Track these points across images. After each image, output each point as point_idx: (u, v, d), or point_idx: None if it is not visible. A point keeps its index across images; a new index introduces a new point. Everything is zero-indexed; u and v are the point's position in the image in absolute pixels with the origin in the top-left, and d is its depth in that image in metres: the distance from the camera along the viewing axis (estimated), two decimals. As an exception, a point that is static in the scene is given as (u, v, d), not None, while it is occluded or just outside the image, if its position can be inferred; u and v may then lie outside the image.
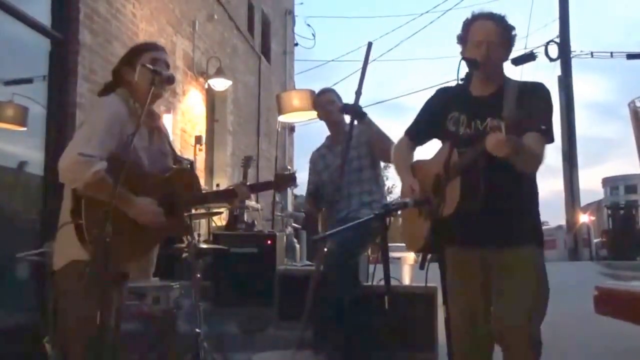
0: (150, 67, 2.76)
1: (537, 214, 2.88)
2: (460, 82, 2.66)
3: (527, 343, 2.66)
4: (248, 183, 3.41)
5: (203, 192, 3.53)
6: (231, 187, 3.31)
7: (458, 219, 2.64)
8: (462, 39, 2.86)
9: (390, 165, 4.75)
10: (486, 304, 2.79)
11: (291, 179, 3.57)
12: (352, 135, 4.29)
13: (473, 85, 2.85)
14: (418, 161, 3.05)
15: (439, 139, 2.95)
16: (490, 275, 2.76)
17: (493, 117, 2.68)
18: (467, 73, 2.68)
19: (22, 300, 5.06)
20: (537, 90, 2.77)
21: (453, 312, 2.78)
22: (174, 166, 3.08)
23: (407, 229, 3.03)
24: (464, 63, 2.68)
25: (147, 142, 2.91)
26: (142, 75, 2.77)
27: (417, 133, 3.08)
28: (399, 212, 2.88)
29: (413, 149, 3.12)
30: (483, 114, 2.77)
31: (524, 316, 2.66)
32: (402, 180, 2.99)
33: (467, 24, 2.85)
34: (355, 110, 4.22)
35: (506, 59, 2.87)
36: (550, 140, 2.69)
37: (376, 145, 4.51)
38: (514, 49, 2.89)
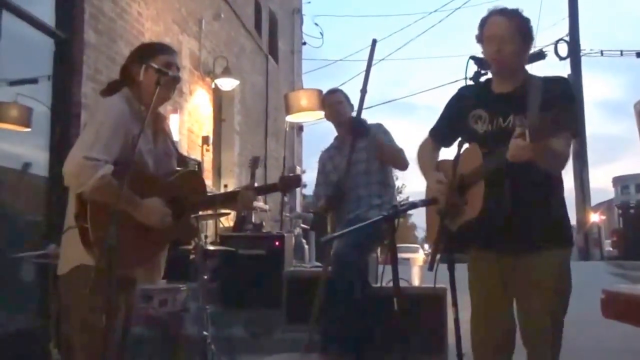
0: (155, 66, 2.72)
1: (564, 213, 2.83)
2: (470, 82, 2.62)
3: (551, 345, 2.66)
4: (255, 185, 3.36)
5: (209, 194, 3.48)
6: (236, 191, 3.24)
7: (482, 222, 2.61)
8: (479, 38, 2.85)
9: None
10: (508, 305, 2.77)
11: (297, 181, 3.51)
12: (357, 141, 4.28)
13: (494, 82, 2.85)
14: (443, 160, 3.01)
15: (463, 137, 2.91)
16: (513, 278, 2.74)
17: (516, 114, 2.64)
18: (475, 72, 2.64)
19: (25, 302, 5.04)
20: (560, 88, 2.74)
21: (473, 314, 2.79)
22: (178, 168, 3.05)
23: (430, 226, 3.00)
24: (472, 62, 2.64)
25: (152, 144, 2.88)
26: (147, 75, 2.74)
27: (441, 134, 3.06)
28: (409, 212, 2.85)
29: (437, 150, 3.09)
30: (505, 111, 2.75)
31: (547, 319, 2.65)
32: (428, 178, 2.96)
33: (482, 22, 2.84)
34: (358, 128, 4.19)
35: (524, 53, 2.82)
36: (575, 134, 2.65)
37: (385, 158, 4.52)
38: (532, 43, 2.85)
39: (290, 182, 3.39)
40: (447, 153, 3.07)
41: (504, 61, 2.73)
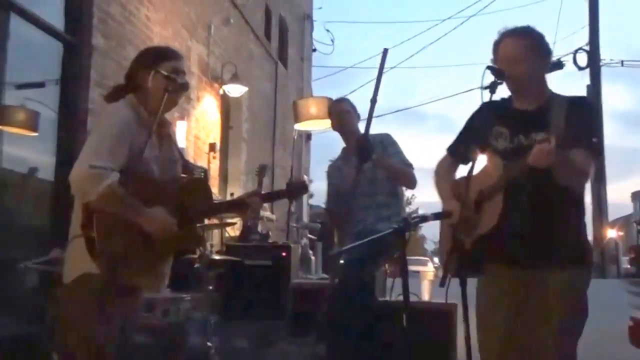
0: (164, 73, 2.78)
1: (584, 232, 2.84)
2: (485, 94, 2.65)
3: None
4: (262, 192, 3.37)
5: (215, 202, 3.53)
6: (242, 198, 3.28)
7: (498, 237, 2.64)
8: (494, 62, 2.87)
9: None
10: (521, 323, 2.77)
11: (303, 188, 3.55)
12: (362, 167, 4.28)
13: (515, 100, 2.87)
14: (460, 180, 3.02)
15: (482, 153, 2.92)
16: (528, 295, 2.73)
17: (537, 131, 2.68)
18: (492, 82, 2.67)
19: (27, 308, 5.09)
20: (584, 106, 2.78)
21: (485, 331, 2.79)
22: (183, 175, 3.09)
23: (444, 242, 3.00)
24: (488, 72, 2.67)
25: (158, 151, 2.91)
26: (155, 81, 2.79)
27: (460, 151, 3.07)
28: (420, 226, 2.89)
29: (456, 166, 3.11)
30: (527, 128, 2.76)
31: (555, 339, 2.65)
32: (444, 201, 2.99)
33: (495, 46, 2.88)
34: (361, 153, 4.20)
35: (540, 70, 2.85)
36: (598, 154, 2.70)
37: (393, 179, 4.53)
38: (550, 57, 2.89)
39: (297, 189, 3.45)
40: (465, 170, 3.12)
41: (516, 82, 2.76)
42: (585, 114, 2.70)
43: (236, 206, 3.31)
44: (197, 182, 3.20)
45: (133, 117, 2.79)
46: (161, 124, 2.92)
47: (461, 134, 3.09)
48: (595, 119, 2.79)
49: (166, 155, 2.98)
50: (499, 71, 2.69)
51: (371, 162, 4.33)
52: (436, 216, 2.80)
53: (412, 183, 4.59)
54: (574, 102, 2.76)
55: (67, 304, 2.79)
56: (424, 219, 2.73)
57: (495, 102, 2.83)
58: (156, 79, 2.78)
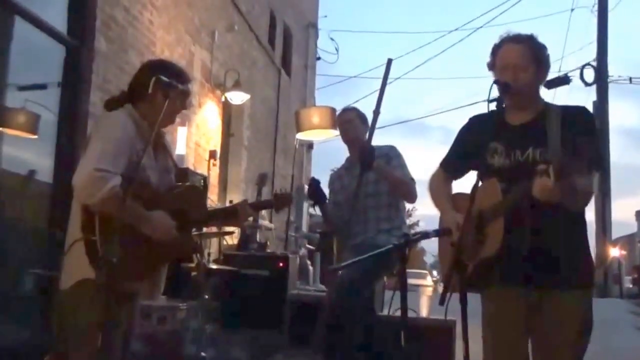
0: (165, 79, 2.83)
1: (587, 252, 2.81)
2: (492, 107, 2.62)
3: None
4: (250, 201, 3.49)
5: (208, 210, 3.62)
6: (234, 206, 3.38)
7: (503, 259, 2.62)
8: (491, 65, 2.84)
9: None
10: (525, 345, 2.76)
11: (289, 200, 3.67)
12: (363, 175, 4.28)
13: (509, 112, 2.81)
14: (458, 194, 3.00)
15: (477, 170, 2.93)
16: (536, 314, 2.72)
17: (534, 146, 2.68)
18: (498, 97, 2.64)
19: (27, 314, 5.10)
20: (581, 119, 2.74)
21: (490, 353, 2.78)
22: (178, 183, 3.15)
23: (443, 258, 2.99)
24: (495, 87, 2.65)
25: (154, 161, 2.97)
26: (156, 87, 2.84)
27: (453, 166, 3.06)
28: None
29: (449, 181, 3.09)
30: (523, 144, 2.73)
31: (570, 356, 2.67)
32: (443, 213, 2.97)
33: (494, 50, 2.83)
34: (364, 161, 4.21)
35: (540, 82, 2.83)
36: (599, 169, 2.66)
37: (393, 189, 4.54)
38: (549, 70, 2.86)
39: (283, 200, 3.59)
40: (460, 184, 3.08)
41: (519, 91, 2.70)
42: (584, 128, 2.65)
43: (227, 214, 3.41)
44: (191, 190, 3.25)
45: (132, 127, 2.85)
46: (157, 133, 2.97)
47: (453, 149, 3.06)
48: (594, 133, 2.76)
49: (161, 165, 3.04)
50: (506, 86, 2.66)
51: (373, 170, 4.34)
52: (437, 233, 2.80)
53: (412, 196, 4.59)
54: (569, 113, 2.74)
55: (67, 311, 2.82)
56: (425, 235, 2.72)
57: (485, 115, 2.78)
58: (157, 85, 2.83)
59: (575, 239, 2.75)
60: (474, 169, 2.93)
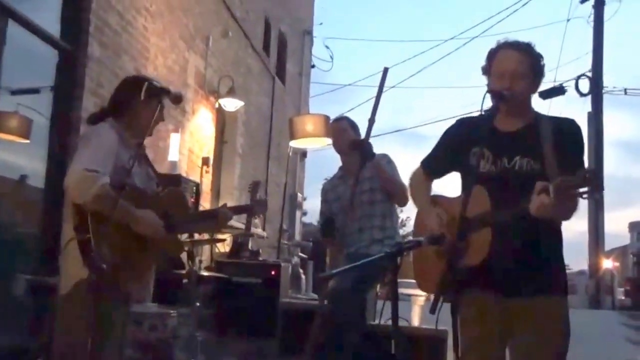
0: (158, 85, 2.99)
1: (563, 260, 2.86)
2: (482, 114, 2.65)
3: None
4: (228, 205, 3.71)
5: (190, 213, 3.83)
6: (214, 209, 3.69)
7: (487, 268, 2.65)
8: (486, 70, 2.84)
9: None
10: (504, 351, 2.79)
11: (263, 205, 3.91)
12: (361, 172, 4.30)
13: (498, 119, 2.79)
14: (440, 196, 3.01)
15: (459, 172, 2.93)
16: (511, 324, 2.74)
17: (522, 155, 2.70)
18: (492, 106, 2.66)
19: (19, 320, 5.08)
20: (571, 132, 2.77)
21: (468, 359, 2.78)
22: (159, 188, 3.31)
23: (420, 266, 3.01)
24: (488, 95, 2.67)
25: (138, 167, 3.12)
26: (148, 93, 3.00)
27: (434, 166, 3.07)
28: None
29: (430, 181, 3.09)
30: (511, 151, 2.75)
31: None
32: (424, 211, 2.97)
33: (491, 55, 2.83)
34: (363, 149, 4.23)
35: (533, 91, 2.84)
36: (600, 188, 2.68)
37: (386, 189, 4.57)
38: (543, 80, 2.86)
39: (259, 206, 3.88)
40: (439, 184, 3.11)
41: (514, 98, 2.70)
42: (573, 142, 2.71)
43: (208, 216, 3.66)
44: (175, 193, 3.40)
45: (115, 137, 3.01)
46: (139, 145, 3.11)
47: (437, 149, 3.06)
48: (582, 144, 2.79)
49: (144, 171, 3.22)
50: (499, 95, 2.66)
51: (371, 165, 4.36)
52: (430, 241, 2.80)
53: (404, 198, 4.60)
54: (559, 126, 2.76)
55: (65, 315, 2.88)
56: (418, 243, 2.72)
57: (473, 119, 2.83)
58: (149, 90, 2.97)
59: (554, 249, 2.79)
60: (456, 171, 2.95)
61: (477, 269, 2.66)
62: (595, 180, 2.32)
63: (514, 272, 2.68)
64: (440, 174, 3.08)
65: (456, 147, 2.92)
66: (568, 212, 2.61)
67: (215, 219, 3.53)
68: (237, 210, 3.98)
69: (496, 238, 2.62)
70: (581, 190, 2.34)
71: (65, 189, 2.82)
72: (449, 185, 3.06)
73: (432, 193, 3.09)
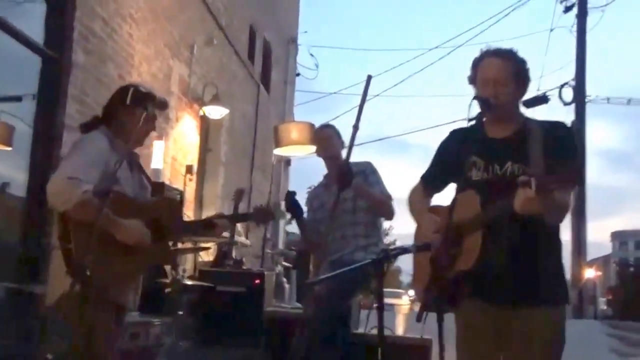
0: (143, 89, 3.01)
1: (562, 270, 2.85)
2: (471, 123, 2.67)
3: None
4: (226, 214, 3.69)
5: (185, 221, 3.77)
6: (212, 218, 3.55)
7: (479, 274, 2.65)
8: (472, 79, 2.87)
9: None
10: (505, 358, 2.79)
11: (270, 215, 3.79)
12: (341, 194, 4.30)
13: (488, 126, 2.84)
14: (435, 207, 3.03)
15: (457, 184, 2.92)
16: (509, 330, 2.74)
17: (513, 161, 2.71)
18: (478, 113, 2.68)
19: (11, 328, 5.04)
20: (561, 133, 2.77)
21: None
22: (153, 197, 3.32)
23: (418, 274, 3.00)
24: (475, 102, 2.68)
25: (130, 175, 3.12)
26: (134, 98, 3.00)
27: (434, 179, 3.09)
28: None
29: (429, 196, 3.11)
30: (502, 158, 2.77)
31: None
32: (421, 222, 2.97)
33: (475, 63, 2.87)
34: (342, 179, 4.20)
35: (520, 96, 2.86)
36: (579, 183, 2.71)
37: (371, 207, 4.57)
38: (529, 84, 2.89)
39: (263, 214, 3.76)
40: (439, 198, 3.11)
41: (500, 105, 2.72)
42: (565, 145, 2.71)
43: (205, 226, 3.54)
44: (167, 202, 3.45)
45: (106, 142, 3.01)
46: (131, 153, 3.15)
47: (434, 163, 3.09)
48: (575, 150, 2.80)
49: (137, 179, 3.20)
50: (486, 102, 2.69)
51: (351, 189, 4.37)
52: (417, 248, 2.81)
53: (390, 214, 4.63)
54: (549, 128, 2.77)
55: (54, 324, 2.88)
56: (404, 250, 2.73)
57: (465, 129, 2.83)
58: (134, 96, 2.98)
59: (551, 256, 2.78)
60: (454, 183, 2.95)
61: (470, 276, 2.66)
62: (576, 173, 2.31)
63: (504, 279, 2.67)
64: (439, 187, 3.10)
65: (451, 158, 2.94)
66: (558, 211, 2.59)
67: (212, 229, 3.48)
68: (234, 218, 3.95)
69: (487, 241, 2.62)
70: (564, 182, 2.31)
71: (47, 197, 2.81)
72: (449, 196, 3.07)
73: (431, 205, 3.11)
